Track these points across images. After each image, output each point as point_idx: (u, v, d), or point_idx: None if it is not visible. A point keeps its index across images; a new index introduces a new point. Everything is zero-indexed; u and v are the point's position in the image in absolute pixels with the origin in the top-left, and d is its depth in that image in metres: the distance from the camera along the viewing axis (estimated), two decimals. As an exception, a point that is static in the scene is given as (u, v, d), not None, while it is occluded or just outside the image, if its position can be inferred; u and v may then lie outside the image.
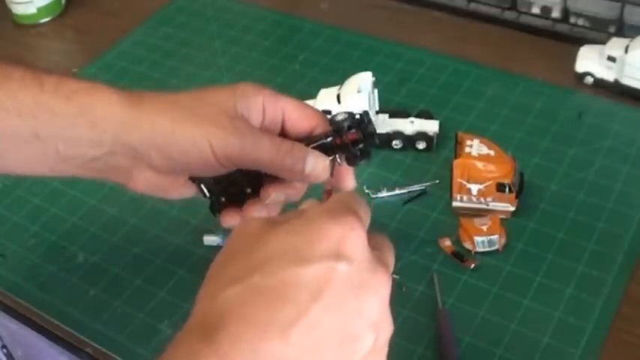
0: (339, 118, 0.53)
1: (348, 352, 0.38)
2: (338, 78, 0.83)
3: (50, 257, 0.75)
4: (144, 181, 0.55)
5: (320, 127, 0.55)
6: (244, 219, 0.42)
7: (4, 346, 0.88)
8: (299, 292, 0.37)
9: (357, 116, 0.54)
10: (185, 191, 0.58)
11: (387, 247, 0.44)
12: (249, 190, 0.57)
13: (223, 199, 0.57)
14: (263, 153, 0.52)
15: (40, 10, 1.08)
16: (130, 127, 0.52)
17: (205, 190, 0.57)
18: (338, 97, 0.78)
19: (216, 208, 0.58)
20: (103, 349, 0.67)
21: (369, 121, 0.54)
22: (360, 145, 0.53)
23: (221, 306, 0.37)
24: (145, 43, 1.03)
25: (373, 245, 0.42)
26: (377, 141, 0.54)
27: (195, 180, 0.57)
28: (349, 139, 0.53)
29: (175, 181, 0.57)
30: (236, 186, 0.57)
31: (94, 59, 1.01)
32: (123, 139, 0.52)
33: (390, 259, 0.44)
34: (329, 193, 0.51)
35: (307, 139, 0.54)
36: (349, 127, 0.53)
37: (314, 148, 0.53)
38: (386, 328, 0.41)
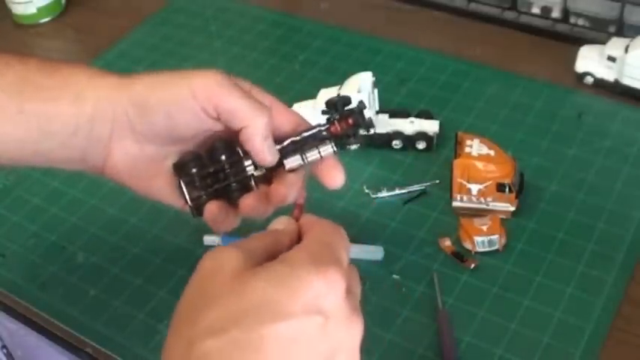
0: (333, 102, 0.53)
1: None
2: (338, 78, 0.83)
3: (50, 257, 0.75)
4: (123, 156, 0.55)
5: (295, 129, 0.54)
6: (216, 253, 0.41)
7: (4, 346, 0.88)
8: (276, 347, 0.37)
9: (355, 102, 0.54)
10: (165, 186, 0.57)
11: (356, 281, 0.44)
12: (234, 185, 0.54)
13: (204, 196, 0.55)
14: (239, 101, 0.51)
15: (40, 10, 1.08)
16: (112, 93, 0.54)
17: (184, 188, 0.55)
18: (338, 97, 0.78)
19: (198, 207, 0.56)
20: (103, 349, 0.67)
21: (361, 111, 0.53)
22: (351, 130, 0.53)
23: (200, 357, 0.37)
24: (145, 43, 1.03)
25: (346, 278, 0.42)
26: (373, 129, 0.54)
27: (177, 168, 0.55)
28: (342, 124, 0.53)
29: (157, 162, 0.56)
30: (220, 180, 0.54)
31: (94, 59, 1.00)
32: (103, 103, 0.54)
33: (358, 292, 0.44)
34: (300, 207, 0.50)
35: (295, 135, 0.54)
36: (340, 115, 0.53)
37: (303, 137, 0.53)
38: None
